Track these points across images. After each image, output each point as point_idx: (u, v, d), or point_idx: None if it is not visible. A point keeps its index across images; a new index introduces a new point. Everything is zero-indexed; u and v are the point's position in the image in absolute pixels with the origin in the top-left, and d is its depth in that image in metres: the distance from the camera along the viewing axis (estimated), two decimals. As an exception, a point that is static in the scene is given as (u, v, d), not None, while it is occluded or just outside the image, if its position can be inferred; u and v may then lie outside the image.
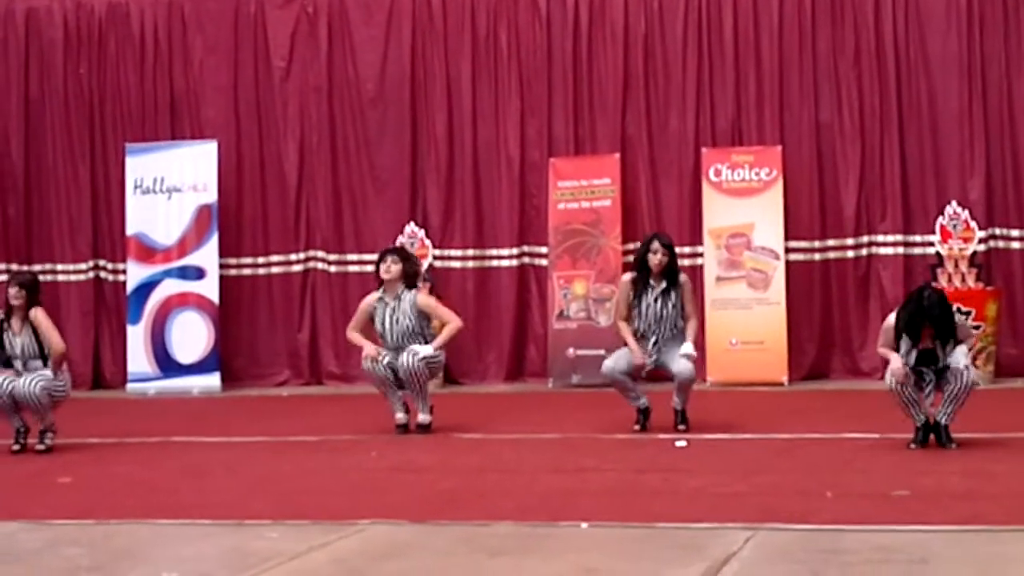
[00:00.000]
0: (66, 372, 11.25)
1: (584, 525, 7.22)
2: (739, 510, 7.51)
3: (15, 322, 11.11)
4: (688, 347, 10.79)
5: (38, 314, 11.10)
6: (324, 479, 9.35)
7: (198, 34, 16.54)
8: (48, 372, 10.97)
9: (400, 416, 11.32)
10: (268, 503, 8.33)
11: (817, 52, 15.06)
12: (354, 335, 11.56)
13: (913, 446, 9.56)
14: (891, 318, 9.77)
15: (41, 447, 11.06)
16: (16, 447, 11.07)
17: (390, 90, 16.06)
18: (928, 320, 9.51)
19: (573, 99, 15.60)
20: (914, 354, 9.55)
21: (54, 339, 11.07)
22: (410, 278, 11.46)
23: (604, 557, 6.56)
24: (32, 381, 10.85)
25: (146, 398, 15.56)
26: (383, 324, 11.36)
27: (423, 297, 11.62)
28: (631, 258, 14.92)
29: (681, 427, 10.78)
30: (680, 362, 10.74)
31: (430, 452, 10.38)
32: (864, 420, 11.37)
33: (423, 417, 11.37)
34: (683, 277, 11.03)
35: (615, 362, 10.86)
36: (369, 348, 11.27)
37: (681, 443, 10.17)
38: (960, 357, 9.56)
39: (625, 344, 10.90)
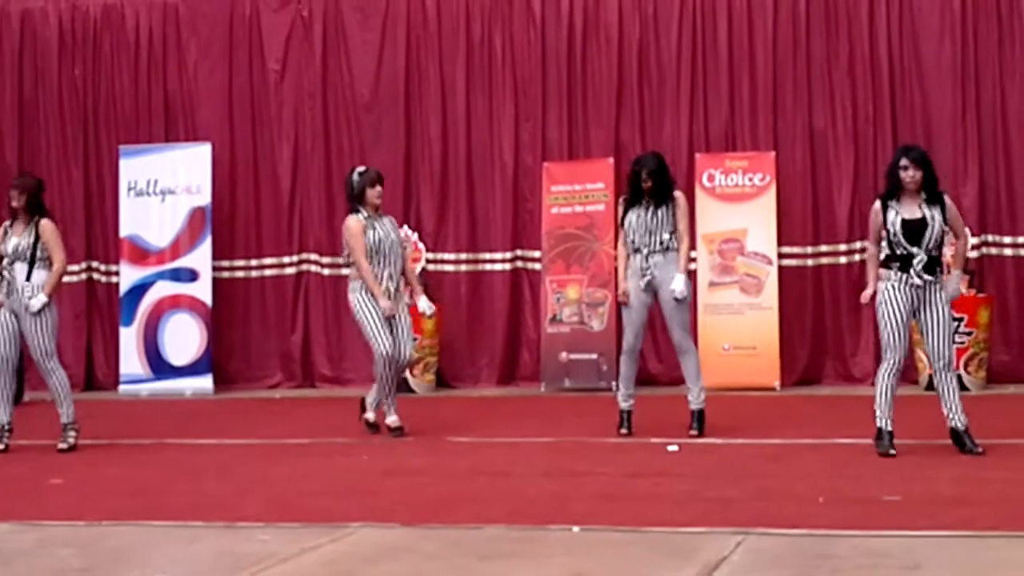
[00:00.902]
0: (59, 368, 11.23)
1: (575, 529, 7.22)
2: (730, 514, 7.51)
3: (18, 225, 11.13)
4: (679, 282, 10.78)
5: (46, 224, 11.12)
6: (316, 482, 9.35)
7: (193, 37, 16.53)
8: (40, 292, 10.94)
9: (371, 415, 11.43)
10: (260, 505, 8.33)
11: (811, 58, 15.06)
12: (370, 274, 11.23)
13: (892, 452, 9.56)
14: (875, 204, 9.79)
15: (63, 445, 11.05)
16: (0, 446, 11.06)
17: (384, 94, 16.06)
18: (907, 157, 9.61)
19: (567, 104, 15.60)
20: (899, 222, 9.54)
21: (57, 254, 11.08)
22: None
23: (595, 561, 6.56)
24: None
25: (138, 400, 15.55)
26: (379, 244, 11.29)
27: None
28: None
29: (693, 432, 10.75)
30: (676, 331, 10.92)
31: (421, 455, 10.37)
32: (856, 426, 11.35)
33: (395, 419, 11.37)
34: (677, 193, 11.03)
35: (634, 338, 10.96)
36: (387, 304, 11.20)
37: (672, 447, 10.16)
38: (945, 343, 9.56)
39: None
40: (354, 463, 10.06)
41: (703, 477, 8.93)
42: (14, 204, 11.13)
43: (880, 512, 7.53)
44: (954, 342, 10.10)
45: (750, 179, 14.74)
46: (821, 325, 14.97)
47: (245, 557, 6.83)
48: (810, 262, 14.98)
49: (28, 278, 10.99)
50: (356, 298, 11.26)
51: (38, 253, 11.01)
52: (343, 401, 14.56)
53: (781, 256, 14.79)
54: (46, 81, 16.79)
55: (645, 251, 10.80)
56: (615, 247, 14.80)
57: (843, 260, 14.94)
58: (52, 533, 7.64)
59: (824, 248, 14.98)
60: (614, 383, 14.61)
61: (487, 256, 15.73)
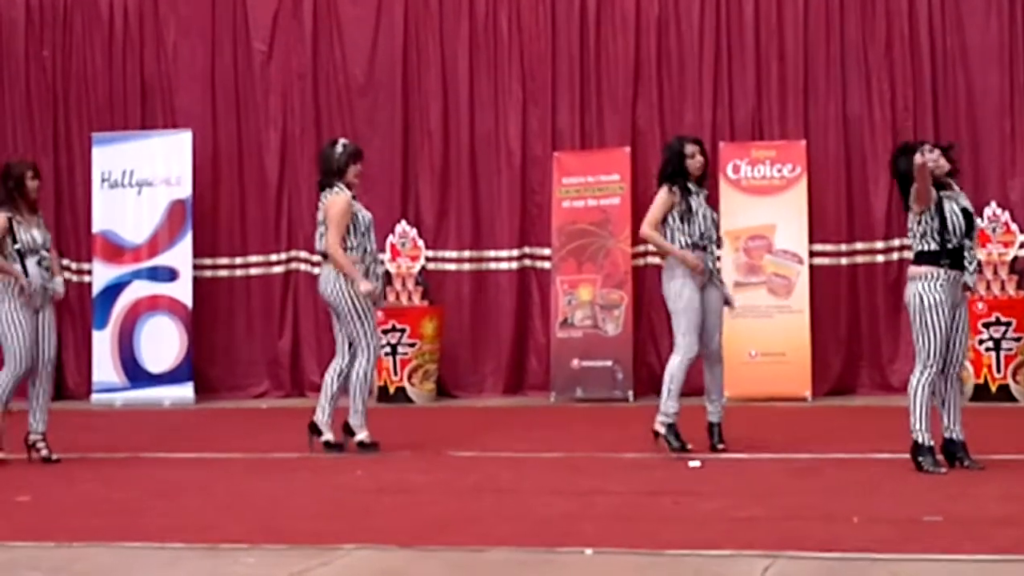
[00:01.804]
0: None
1: (588, 552, 7.22)
2: (757, 536, 7.51)
3: (30, 216, 11.22)
4: (729, 293, 10.88)
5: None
6: (305, 500, 9.36)
7: (172, 15, 16.58)
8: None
9: (365, 435, 11.32)
10: (245, 525, 8.34)
11: (845, 39, 15.08)
12: (345, 258, 11.11)
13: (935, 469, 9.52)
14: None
15: (55, 456, 11.17)
16: None
17: (380, 77, 16.09)
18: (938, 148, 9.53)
19: (579, 88, 15.62)
20: (960, 212, 9.41)
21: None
22: None
23: (609, 586, 6.57)
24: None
25: (113, 410, 15.58)
26: (367, 226, 11.27)
27: None
28: (641, 262, 15.05)
29: (722, 446, 10.75)
30: (717, 338, 10.81)
31: (421, 472, 10.38)
32: (894, 439, 11.35)
33: (366, 434, 11.31)
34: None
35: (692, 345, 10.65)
36: (369, 286, 11.14)
37: (694, 463, 10.17)
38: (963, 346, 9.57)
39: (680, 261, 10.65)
40: (347, 480, 10.06)
41: (728, 495, 8.93)
42: (34, 195, 11.26)
43: (920, 533, 7.54)
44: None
45: (779, 170, 14.76)
46: (856, 330, 14.98)
47: (229, 582, 6.85)
48: (844, 261, 14.99)
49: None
50: (340, 289, 11.14)
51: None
52: (335, 412, 14.58)
53: (813, 254, 14.81)
54: (12, 63, 16.85)
55: (707, 246, 10.76)
56: (632, 244, 14.93)
57: (880, 259, 14.96)
58: (17, 555, 7.65)
59: (859, 246, 15.00)
60: (630, 393, 14.68)
61: (492, 254, 15.75)
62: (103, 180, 16.20)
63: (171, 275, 15.97)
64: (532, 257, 15.74)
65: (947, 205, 9.49)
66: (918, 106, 14.88)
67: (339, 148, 11.37)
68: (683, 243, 10.62)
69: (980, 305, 13.90)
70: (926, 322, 9.44)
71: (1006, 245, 14.28)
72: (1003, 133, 14.74)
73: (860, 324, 15.01)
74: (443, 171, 15.94)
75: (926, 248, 9.48)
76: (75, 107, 16.73)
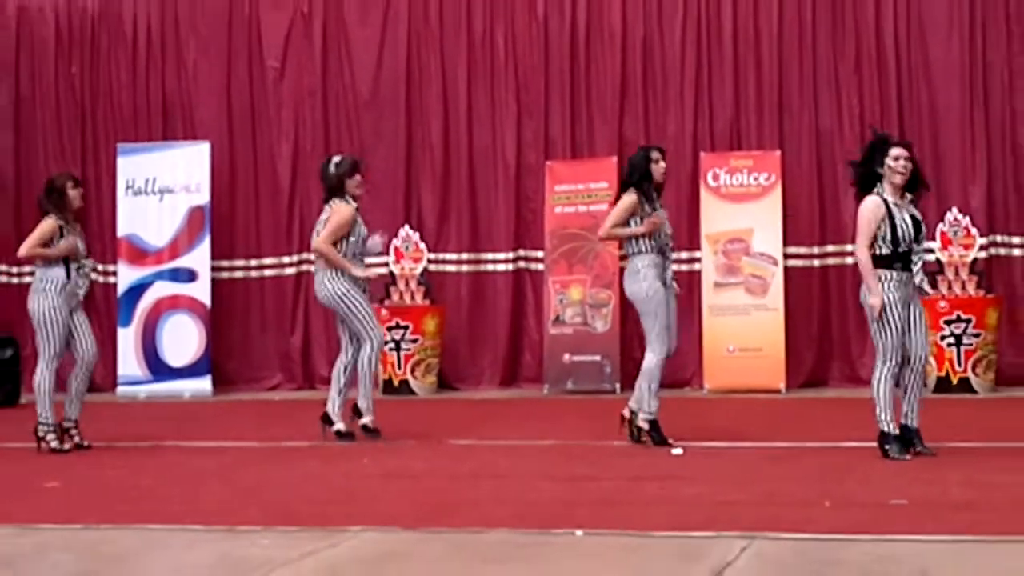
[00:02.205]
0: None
1: (579, 533, 7.20)
2: (736, 519, 7.49)
3: (72, 223, 11.28)
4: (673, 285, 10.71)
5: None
6: (316, 485, 9.34)
7: (191, 34, 16.56)
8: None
9: (369, 419, 11.30)
10: (259, 509, 8.32)
11: (817, 56, 15.08)
12: (334, 252, 11.03)
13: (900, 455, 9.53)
14: (869, 204, 9.50)
15: (86, 443, 11.26)
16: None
17: (385, 92, 16.08)
18: (902, 146, 9.53)
19: (570, 102, 15.62)
20: (909, 220, 9.47)
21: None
22: None
23: (600, 566, 6.55)
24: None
25: (136, 401, 15.57)
26: (361, 240, 11.18)
27: None
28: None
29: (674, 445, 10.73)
30: (675, 333, 10.72)
31: (423, 459, 10.36)
32: (863, 428, 11.33)
33: (371, 418, 11.28)
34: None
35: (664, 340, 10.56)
36: (363, 272, 11.10)
37: (677, 451, 10.15)
38: (923, 337, 9.57)
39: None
40: (355, 466, 10.04)
41: (709, 481, 8.92)
42: (77, 203, 11.32)
43: (887, 516, 7.52)
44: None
45: (755, 178, 14.75)
46: (827, 326, 14.98)
47: (245, 562, 6.82)
48: (816, 263, 15.00)
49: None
50: (339, 287, 11.06)
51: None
52: (345, 403, 14.57)
53: (787, 256, 14.81)
54: (43, 79, 16.82)
55: (667, 252, 10.70)
56: (618, 248, 14.89)
57: (850, 260, 14.89)
58: (50, 537, 7.64)
59: (831, 248, 15.00)
60: (617, 386, 14.68)
61: (489, 256, 15.74)
62: (127, 188, 16.18)
63: (191, 276, 15.95)
64: (526, 259, 15.72)
65: (897, 215, 9.50)
66: (885, 119, 14.85)
67: (331, 167, 11.25)
68: (645, 247, 10.55)
69: (942, 304, 13.91)
70: (882, 320, 9.45)
71: (966, 248, 14.27)
72: (964, 143, 14.74)
73: (831, 321, 15.01)
74: (443, 179, 15.93)
75: (879, 253, 9.46)
76: (101, 120, 16.71)
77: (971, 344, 13.80)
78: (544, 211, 15.38)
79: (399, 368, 15.10)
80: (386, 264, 15.63)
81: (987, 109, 14.74)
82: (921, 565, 6.33)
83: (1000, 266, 14.68)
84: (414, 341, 15.07)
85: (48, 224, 11.16)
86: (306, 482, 9.47)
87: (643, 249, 10.53)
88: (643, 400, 10.55)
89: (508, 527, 7.46)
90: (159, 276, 16.02)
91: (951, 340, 13.82)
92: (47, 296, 11.07)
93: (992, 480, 8.66)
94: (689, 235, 15.05)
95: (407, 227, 15.73)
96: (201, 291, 15.93)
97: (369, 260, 11.69)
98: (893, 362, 9.49)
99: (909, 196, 9.68)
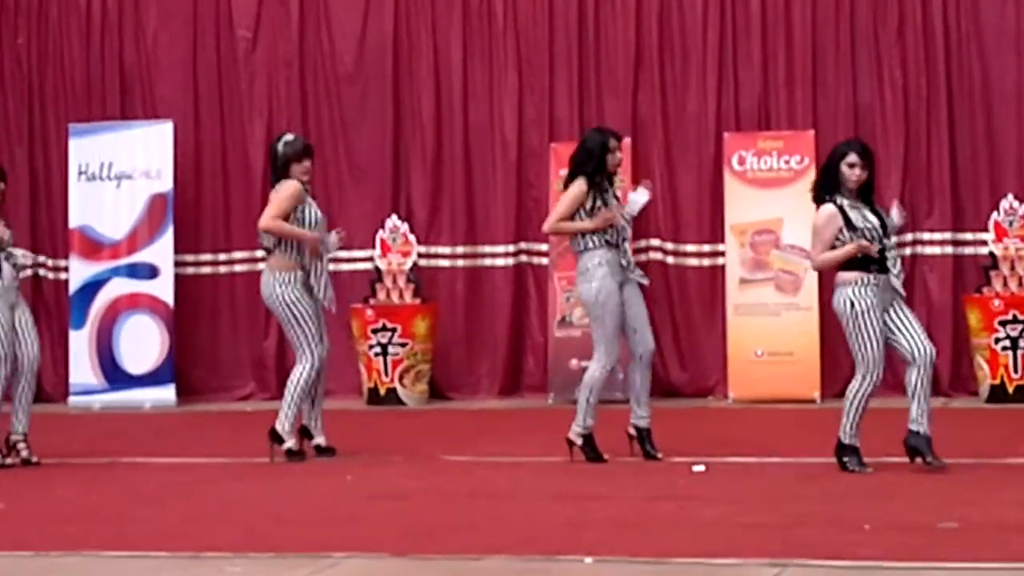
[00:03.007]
0: None
1: (588, 560, 7.24)
2: (764, 543, 7.53)
3: None
4: (640, 278, 10.81)
5: None
6: (293, 506, 9.38)
7: (152, 1, 16.56)
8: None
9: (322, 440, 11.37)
10: (230, 533, 8.36)
11: (856, 24, 15.09)
12: (284, 225, 11.15)
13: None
14: (824, 211, 9.86)
15: (34, 459, 11.30)
16: None
17: (370, 64, 16.09)
18: (857, 153, 9.85)
19: (578, 76, 15.63)
20: (876, 221, 9.79)
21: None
22: None
23: (611, 596, 6.60)
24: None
25: (91, 413, 15.58)
26: (314, 225, 11.22)
27: None
28: (643, 257, 15.10)
29: (659, 454, 10.78)
30: (648, 332, 10.83)
31: (413, 477, 10.41)
32: (907, 442, 11.40)
33: (293, 441, 11.25)
34: None
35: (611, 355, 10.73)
36: (312, 235, 11.12)
37: (699, 467, 10.19)
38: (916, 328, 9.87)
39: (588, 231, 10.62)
40: (336, 485, 10.09)
41: (733, 501, 8.96)
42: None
43: (935, 541, 7.56)
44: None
45: (786, 162, 14.77)
46: (867, 328, 14.98)
47: (213, 592, 6.86)
48: (854, 256, 14.99)
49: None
50: (290, 293, 11.08)
51: None
52: (325, 415, 14.58)
53: (822, 249, 14.80)
54: (-15, 51, 16.84)
55: (621, 244, 10.76)
56: (632, 238, 14.95)
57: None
58: (-6, 565, 7.68)
59: (870, 240, 14.99)
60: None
61: (487, 249, 15.76)
62: (80, 173, 16.19)
63: (151, 272, 15.96)
64: (529, 253, 15.74)
65: (853, 215, 9.81)
66: (932, 94, 14.89)
67: (280, 146, 11.35)
68: (594, 243, 10.61)
69: (996, 302, 13.94)
70: (860, 328, 9.79)
71: (1023, 240, 14.27)
72: (1020, 121, 14.74)
73: (871, 322, 15.01)
74: (436, 163, 15.94)
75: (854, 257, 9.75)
76: (51, 97, 16.71)
77: (1033, 349, 13.85)
78: (548, 199, 15.38)
79: (386, 375, 15.13)
80: (371, 258, 15.66)
81: (1048, 82, 14.78)
82: (973, 595, 6.37)
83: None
84: (403, 345, 15.10)
85: None
86: (282, 502, 9.51)
87: (592, 245, 10.65)
88: (579, 413, 10.66)
89: (508, 553, 7.50)
90: (116, 272, 16.03)
91: (1006, 343, 13.85)
92: None
93: (1051, 500, 8.70)
94: (712, 226, 15.07)
95: (395, 217, 15.75)
96: (163, 289, 15.94)
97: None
98: (875, 377, 9.86)
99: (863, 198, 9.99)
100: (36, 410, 15.61)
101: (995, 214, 14.45)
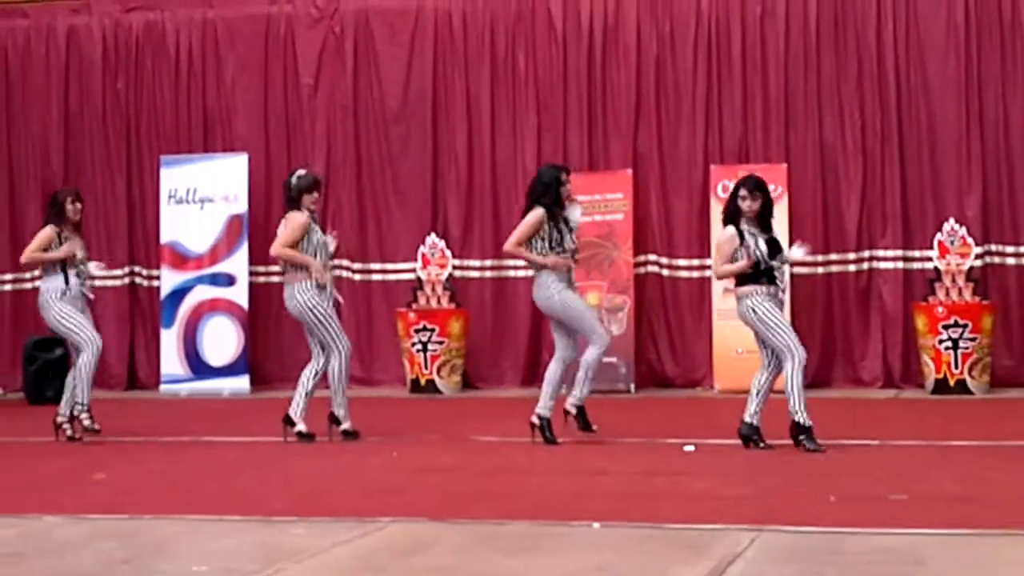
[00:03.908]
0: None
1: (596, 525, 7.22)
2: (744, 512, 7.51)
3: (71, 232, 11.57)
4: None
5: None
6: (346, 478, 9.37)
7: (230, 52, 16.58)
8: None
9: (349, 424, 11.27)
10: (293, 501, 8.35)
11: (821, 74, 15.05)
12: (293, 252, 11.02)
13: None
14: (725, 232, 10.10)
15: (78, 436, 11.34)
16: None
17: (413, 107, 16.09)
18: (748, 188, 10.04)
19: (587, 117, 15.61)
20: (764, 244, 10.00)
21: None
22: None
23: (614, 556, 6.57)
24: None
25: (178, 399, 15.60)
26: (318, 244, 11.10)
27: None
28: (642, 270, 15.08)
29: (595, 427, 10.73)
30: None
31: (449, 454, 10.39)
32: (864, 427, 11.37)
33: (349, 424, 11.25)
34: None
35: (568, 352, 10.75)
36: (318, 264, 11.02)
37: (689, 447, 10.16)
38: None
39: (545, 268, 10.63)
40: (384, 460, 10.07)
41: (718, 476, 8.93)
42: (75, 217, 11.61)
43: (887, 510, 7.53)
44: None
45: (763, 190, 14.70)
46: (830, 331, 14.95)
47: (279, 550, 6.85)
48: (820, 270, 14.96)
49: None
50: (308, 299, 11.00)
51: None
52: (372, 401, 14.61)
53: (793, 264, 14.74)
54: (91, 94, 16.85)
55: (573, 259, 10.77)
56: (634, 254, 14.96)
57: (852, 268, 14.94)
58: (97, 526, 7.68)
59: (834, 256, 14.96)
60: (632, 386, 14.69)
61: (511, 263, 15.71)
62: (170, 197, 16.22)
63: (229, 280, 15.98)
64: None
65: (750, 241, 10.03)
66: (885, 133, 14.85)
67: (294, 179, 11.22)
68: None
69: (940, 309, 13.89)
70: (768, 325, 10.03)
71: (963, 256, 14.23)
72: (960, 156, 14.70)
73: (834, 325, 14.97)
74: (468, 189, 15.93)
75: (746, 272, 10.03)
76: (146, 133, 16.74)
77: (967, 348, 13.77)
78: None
79: (426, 368, 15.12)
80: (413, 270, 15.66)
81: (982, 123, 14.70)
82: (917, 556, 6.34)
83: (995, 273, 14.63)
84: (440, 343, 15.09)
85: (45, 233, 11.52)
86: (338, 475, 9.50)
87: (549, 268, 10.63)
88: (577, 386, 10.68)
89: (529, 519, 7.48)
90: (200, 280, 16.05)
91: (948, 344, 13.79)
92: (51, 305, 11.32)
93: (986, 476, 8.67)
94: (700, 243, 15.04)
95: (433, 235, 15.75)
96: (239, 295, 15.96)
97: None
98: (800, 353, 9.98)
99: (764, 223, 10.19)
100: (133, 396, 15.77)
101: (939, 235, 14.41)
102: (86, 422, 11.35)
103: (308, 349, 16.03)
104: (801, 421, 9.88)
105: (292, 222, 11.11)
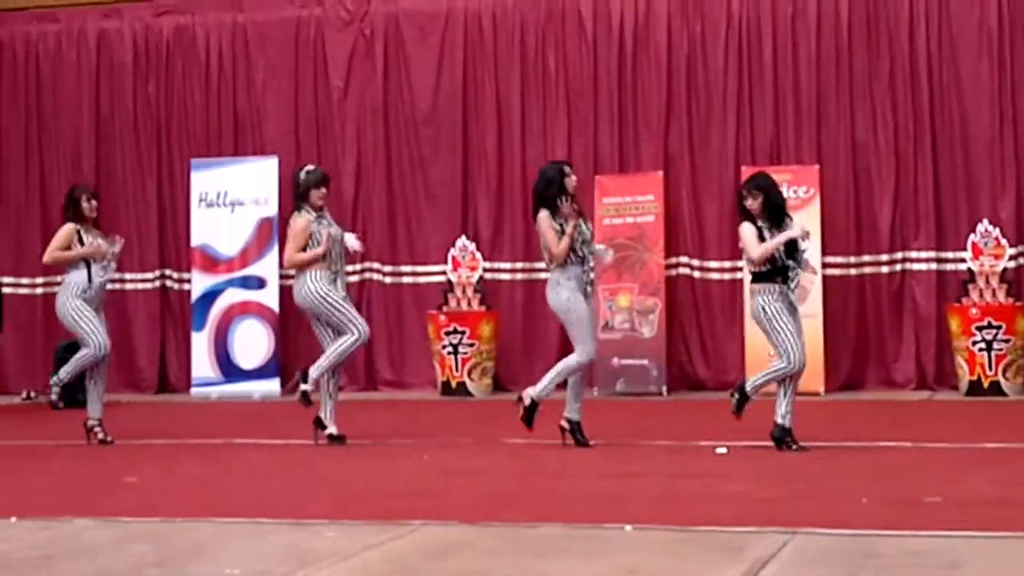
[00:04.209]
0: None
1: (628, 528, 7.20)
2: (777, 515, 7.48)
3: (92, 228, 11.64)
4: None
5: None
6: (377, 481, 9.37)
7: (260, 55, 16.62)
8: None
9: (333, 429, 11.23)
10: (325, 503, 8.35)
11: (853, 74, 15.00)
12: (303, 257, 11.06)
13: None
14: (745, 226, 10.22)
15: (109, 439, 11.38)
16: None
17: (443, 109, 16.09)
18: (748, 189, 10.31)
19: (618, 118, 15.59)
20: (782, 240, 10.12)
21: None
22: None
23: (647, 558, 6.55)
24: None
25: (209, 402, 15.63)
26: (335, 237, 11.12)
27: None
28: (673, 272, 15.05)
29: (593, 442, 10.67)
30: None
31: (479, 456, 10.39)
32: (897, 429, 11.32)
33: (333, 428, 11.25)
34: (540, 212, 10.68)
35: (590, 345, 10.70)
36: (320, 252, 11.00)
37: (721, 450, 10.13)
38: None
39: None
40: (414, 463, 10.07)
41: (751, 479, 8.90)
42: (90, 214, 11.63)
43: (921, 513, 7.49)
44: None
45: (795, 192, 14.65)
46: (864, 332, 14.90)
47: (311, 553, 6.86)
48: (853, 272, 14.91)
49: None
50: (320, 287, 11.01)
51: None
52: (404, 404, 14.63)
53: (825, 266, 14.73)
54: (121, 98, 16.91)
55: (590, 263, 10.73)
56: (664, 257, 14.93)
57: (885, 270, 14.88)
58: (129, 529, 7.69)
59: (867, 258, 14.91)
60: (663, 388, 14.66)
61: (541, 265, 15.58)
62: (200, 200, 16.27)
63: (260, 283, 16.01)
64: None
65: (765, 233, 10.13)
66: (918, 133, 14.79)
67: (303, 174, 11.23)
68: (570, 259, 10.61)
69: (974, 311, 13.83)
70: (775, 327, 10.04)
71: (996, 258, 14.17)
72: (993, 157, 14.63)
73: (867, 327, 14.92)
74: (498, 192, 15.93)
75: (761, 270, 10.10)
76: (176, 136, 16.79)
77: (1001, 349, 13.71)
78: (593, 222, 15.31)
79: (456, 371, 15.12)
80: (444, 272, 15.67)
81: (1015, 124, 14.63)
82: (953, 559, 6.30)
83: (1030, 275, 14.57)
84: (471, 345, 15.09)
85: (65, 230, 11.59)
86: (369, 478, 9.50)
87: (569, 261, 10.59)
88: (546, 382, 10.79)
89: (561, 521, 7.47)
90: (230, 283, 16.09)
91: (982, 345, 13.73)
92: (71, 299, 11.40)
93: (1022, 478, 8.61)
94: (732, 246, 14.96)
95: (464, 237, 15.75)
96: (270, 298, 15.99)
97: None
98: (797, 360, 10.05)
99: (789, 220, 10.33)
100: (164, 399, 15.82)
101: (972, 236, 14.34)
102: (53, 396, 11.49)
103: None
104: (787, 425, 10.05)
105: (294, 228, 11.12)
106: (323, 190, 11.20)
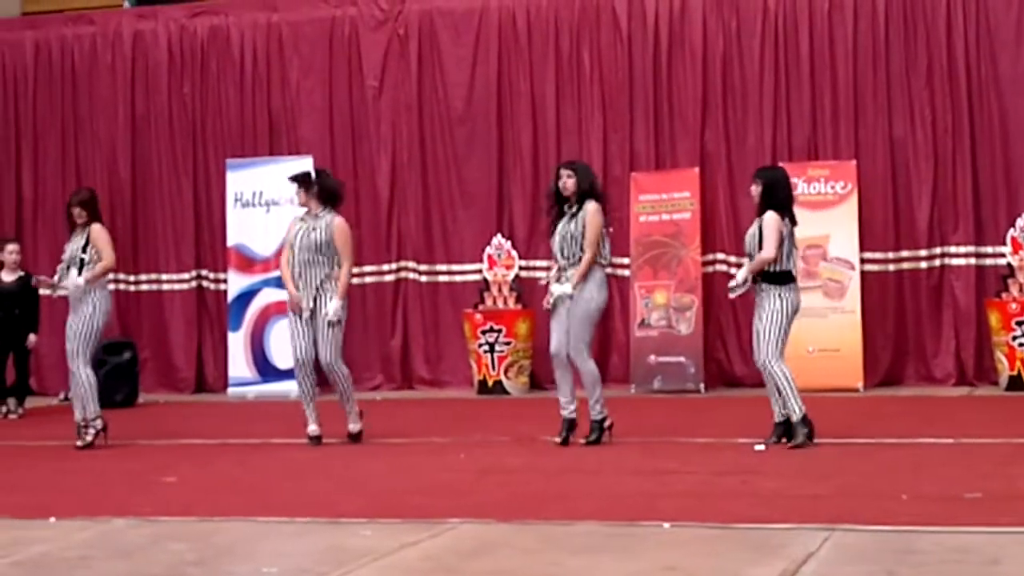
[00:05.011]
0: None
1: (666, 525, 7.19)
2: (816, 511, 7.46)
3: (78, 233, 11.63)
4: (567, 288, 10.53)
5: (95, 228, 11.62)
6: (414, 479, 9.38)
7: (295, 55, 16.66)
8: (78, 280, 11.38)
9: (313, 428, 11.31)
10: (361, 502, 8.37)
11: (891, 69, 14.94)
12: (288, 271, 11.38)
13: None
14: (771, 216, 10.23)
15: (80, 443, 11.36)
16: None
17: (477, 108, 16.10)
18: (754, 178, 10.52)
19: (654, 116, 15.56)
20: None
21: (107, 251, 11.54)
22: (330, 197, 11.39)
23: (684, 556, 6.54)
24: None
25: (246, 401, 15.68)
26: (295, 239, 11.28)
27: (341, 224, 11.40)
28: (710, 269, 15.02)
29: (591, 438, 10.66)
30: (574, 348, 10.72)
31: (516, 454, 10.39)
32: (937, 425, 11.27)
33: (353, 426, 11.39)
34: (591, 205, 10.57)
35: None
36: (295, 295, 11.22)
37: (759, 447, 10.11)
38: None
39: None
40: (451, 462, 10.08)
41: (789, 475, 8.88)
42: (79, 221, 11.68)
43: (962, 509, 7.46)
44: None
45: (832, 187, 14.63)
46: (903, 328, 14.84)
47: (348, 551, 6.87)
48: (891, 267, 14.85)
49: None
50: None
51: (87, 261, 11.52)
52: (441, 403, 14.64)
53: (863, 261, 14.68)
54: (157, 99, 16.98)
55: (564, 261, 10.67)
56: (702, 253, 14.90)
57: (923, 265, 14.81)
58: (166, 528, 7.73)
59: (905, 253, 14.85)
60: (701, 385, 14.64)
61: (577, 263, 15.69)
62: (236, 200, 16.32)
63: (295, 283, 16.03)
64: (613, 266, 15.62)
65: (787, 234, 10.32)
66: (956, 128, 14.71)
67: (329, 180, 11.63)
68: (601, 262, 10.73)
69: (1013, 305, 13.76)
70: (783, 323, 10.23)
71: (1037, 252, 14.11)
72: (1032, 152, 14.58)
73: (906, 323, 14.86)
74: (533, 190, 15.90)
75: (778, 269, 10.27)
76: (211, 136, 16.85)
77: (1038, 345, 13.65)
78: (629, 220, 15.33)
79: (493, 369, 15.13)
80: (479, 271, 15.68)
81: (1055, 118, 14.58)
82: (994, 555, 6.27)
83: (1069, 271, 14.48)
84: (507, 344, 15.09)
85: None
86: (405, 476, 9.52)
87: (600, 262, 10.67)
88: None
89: (597, 519, 7.47)
90: (266, 283, 16.12)
91: (1022, 340, 13.66)
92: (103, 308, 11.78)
93: (1063, 474, 8.57)
94: (768, 241, 14.94)
95: (499, 235, 15.75)
96: (305, 297, 16.00)
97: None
98: (767, 366, 10.25)
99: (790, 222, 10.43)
100: (201, 399, 15.87)
101: (1012, 230, 14.27)
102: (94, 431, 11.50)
103: (379, 350, 16.21)
104: (804, 415, 10.12)
105: (345, 234, 11.49)
106: (296, 186, 11.45)
